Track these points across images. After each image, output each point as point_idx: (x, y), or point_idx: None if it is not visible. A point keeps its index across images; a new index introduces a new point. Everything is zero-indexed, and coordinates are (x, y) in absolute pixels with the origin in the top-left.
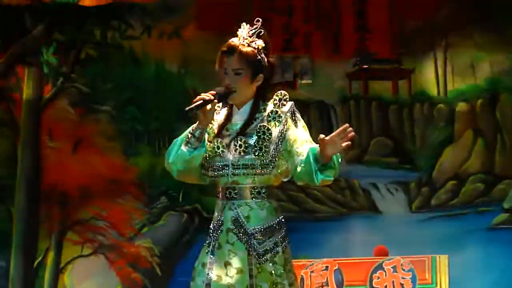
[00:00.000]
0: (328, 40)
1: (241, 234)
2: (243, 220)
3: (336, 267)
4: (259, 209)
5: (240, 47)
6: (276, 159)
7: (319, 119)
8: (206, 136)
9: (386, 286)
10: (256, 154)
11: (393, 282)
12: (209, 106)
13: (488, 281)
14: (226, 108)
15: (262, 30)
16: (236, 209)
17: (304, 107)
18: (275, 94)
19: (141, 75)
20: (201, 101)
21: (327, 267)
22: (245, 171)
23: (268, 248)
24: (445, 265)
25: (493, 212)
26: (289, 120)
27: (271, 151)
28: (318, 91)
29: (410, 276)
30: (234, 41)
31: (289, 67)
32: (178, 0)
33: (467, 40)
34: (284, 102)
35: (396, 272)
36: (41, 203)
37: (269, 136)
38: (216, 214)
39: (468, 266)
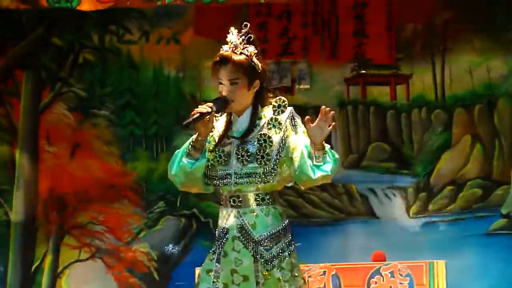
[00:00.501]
0: (326, 45)
1: (247, 242)
2: (249, 227)
3: (334, 272)
4: (264, 215)
5: (233, 56)
6: (278, 166)
7: None
8: (207, 145)
9: None
10: (259, 162)
11: (390, 287)
12: (207, 118)
13: (486, 287)
14: (225, 115)
15: (252, 35)
16: (241, 217)
17: (302, 112)
18: (274, 100)
19: (139, 79)
20: (198, 114)
21: (324, 272)
22: (248, 180)
23: (275, 254)
24: (443, 270)
25: (491, 217)
26: (289, 127)
27: (273, 158)
28: (316, 96)
29: (408, 281)
30: (226, 50)
31: (287, 72)
32: (176, 5)
33: (465, 46)
34: (283, 109)
35: (394, 277)
36: (38, 208)
37: (271, 144)
38: (221, 222)
39: (465, 272)
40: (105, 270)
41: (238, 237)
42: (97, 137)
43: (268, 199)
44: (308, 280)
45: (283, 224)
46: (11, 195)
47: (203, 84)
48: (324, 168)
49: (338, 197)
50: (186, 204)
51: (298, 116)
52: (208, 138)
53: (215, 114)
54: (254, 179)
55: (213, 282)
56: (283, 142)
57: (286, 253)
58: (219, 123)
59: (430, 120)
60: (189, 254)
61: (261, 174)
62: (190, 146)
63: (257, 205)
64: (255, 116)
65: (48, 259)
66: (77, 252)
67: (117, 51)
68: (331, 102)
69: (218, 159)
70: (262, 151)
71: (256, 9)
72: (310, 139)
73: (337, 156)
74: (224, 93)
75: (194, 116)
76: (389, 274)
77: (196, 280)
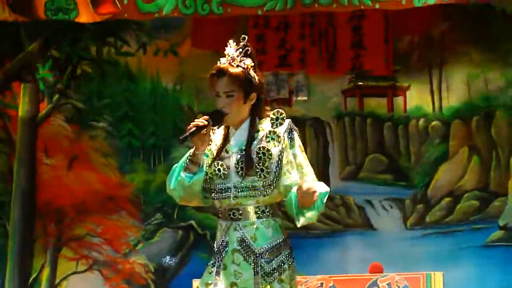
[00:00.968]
0: (323, 57)
1: (248, 254)
2: (250, 240)
3: (331, 284)
4: (265, 228)
5: (229, 68)
6: (278, 178)
7: (314, 136)
8: (205, 159)
9: None
10: (259, 175)
11: None
12: (204, 131)
13: None
14: (222, 128)
15: (249, 48)
16: (241, 230)
17: (299, 124)
18: (272, 113)
19: (136, 91)
20: (195, 127)
21: (322, 283)
22: (248, 193)
23: (276, 267)
24: (440, 282)
25: (488, 229)
26: (287, 140)
27: (272, 171)
28: (314, 108)
29: None
30: (223, 62)
31: (285, 84)
32: (173, 17)
33: (462, 57)
34: (282, 121)
35: None
36: (36, 220)
37: (270, 157)
38: (220, 235)
39: (463, 283)
40: (103, 282)
41: (239, 250)
42: (94, 149)
43: (268, 212)
44: None
45: (283, 236)
46: (8, 206)
47: (201, 96)
48: (308, 216)
49: (336, 209)
50: (183, 216)
51: (296, 128)
52: (206, 151)
53: (212, 127)
54: (254, 192)
55: None
56: (282, 154)
57: (286, 266)
58: (216, 136)
59: (428, 132)
60: (186, 266)
61: (261, 187)
62: (187, 160)
63: (257, 217)
64: (253, 129)
65: (46, 271)
66: (75, 263)
67: (115, 63)
68: (329, 113)
69: (217, 172)
70: (261, 164)
71: (253, 21)
72: (298, 202)
73: (326, 198)
74: (220, 106)
75: (191, 130)
76: (387, 286)
77: None
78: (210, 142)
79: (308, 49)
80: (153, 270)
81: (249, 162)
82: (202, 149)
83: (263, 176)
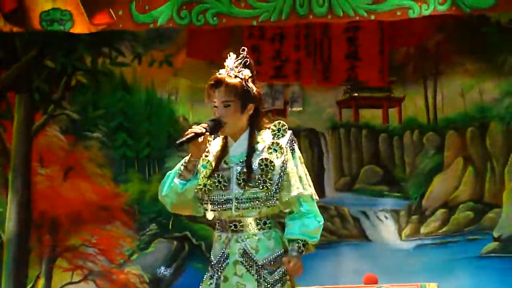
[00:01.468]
0: (318, 68)
1: (250, 266)
2: (252, 252)
3: None
4: (266, 239)
5: (226, 79)
6: (280, 190)
7: (309, 147)
8: (203, 170)
9: None
10: (261, 187)
11: None
12: (200, 139)
13: None
14: (220, 139)
15: (248, 59)
16: (243, 241)
17: (294, 135)
18: (273, 124)
19: (131, 102)
20: (193, 134)
21: None
22: (250, 204)
23: (278, 278)
24: None
25: (483, 240)
26: (289, 151)
27: (275, 183)
28: (309, 119)
29: None
30: (221, 73)
31: (280, 95)
32: (168, 28)
33: (457, 68)
34: (284, 133)
35: None
36: (31, 230)
37: (273, 169)
38: (219, 247)
39: None
40: None
41: (241, 262)
42: (89, 159)
43: (269, 223)
44: None
45: (284, 248)
46: (3, 217)
47: (196, 106)
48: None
49: (330, 220)
50: (178, 227)
51: (295, 139)
52: (204, 163)
53: (209, 138)
54: (256, 203)
55: None
56: (285, 166)
57: (288, 277)
58: (213, 147)
59: (422, 143)
60: (181, 276)
61: (263, 198)
62: (182, 167)
63: (258, 229)
64: (253, 141)
65: (41, 281)
66: (70, 274)
67: (110, 74)
68: (324, 124)
69: (216, 184)
70: (264, 175)
71: (248, 31)
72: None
73: (316, 242)
74: (217, 115)
75: (188, 136)
76: None
77: None
78: (207, 153)
79: (303, 60)
80: (147, 281)
81: (251, 174)
82: (198, 157)
83: (265, 188)
